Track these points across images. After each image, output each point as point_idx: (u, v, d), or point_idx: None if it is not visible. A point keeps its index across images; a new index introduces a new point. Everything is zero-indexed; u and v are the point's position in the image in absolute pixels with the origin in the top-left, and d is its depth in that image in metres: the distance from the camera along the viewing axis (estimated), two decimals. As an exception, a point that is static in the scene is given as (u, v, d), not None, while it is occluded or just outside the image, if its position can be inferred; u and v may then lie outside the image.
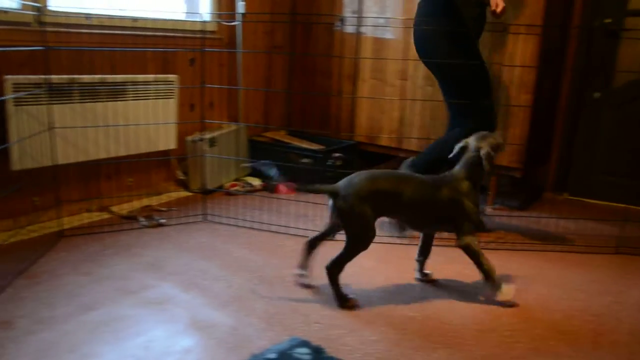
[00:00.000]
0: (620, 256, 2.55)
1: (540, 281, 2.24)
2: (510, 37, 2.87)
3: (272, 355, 1.61)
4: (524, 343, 1.77)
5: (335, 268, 1.92)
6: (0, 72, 2.36)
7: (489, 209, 3.12)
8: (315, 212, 2.89)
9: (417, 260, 2.19)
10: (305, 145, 3.48)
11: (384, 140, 3.48)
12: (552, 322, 1.91)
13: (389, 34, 3.36)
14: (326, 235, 2.03)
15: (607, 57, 3.20)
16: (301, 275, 2.08)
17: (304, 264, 2.07)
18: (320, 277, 1.99)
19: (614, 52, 3.18)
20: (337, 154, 3.32)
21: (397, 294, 2.07)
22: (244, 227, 2.70)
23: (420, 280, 2.18)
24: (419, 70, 3.26)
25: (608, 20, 3.12)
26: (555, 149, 3.47)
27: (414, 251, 2.18)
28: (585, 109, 3.33)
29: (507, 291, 2.00)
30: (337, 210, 1.90)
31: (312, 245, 2.05)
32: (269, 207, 2.99)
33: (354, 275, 2.18)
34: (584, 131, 3.36)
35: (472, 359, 1.66)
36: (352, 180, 1.90)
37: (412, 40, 2.63)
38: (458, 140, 2.10)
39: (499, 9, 2.37)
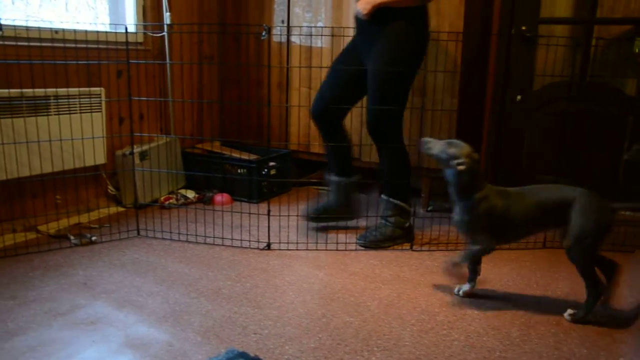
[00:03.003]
0: (547, 250, 2.67)
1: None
2: (433, 44, 2.97)
3: (210, 369, 1.59)
4: (460, 340, 1.82)
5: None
6: None
7: (423, 211, 3.20)
8: (251, 222, 2.88)
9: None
10: (240, 155, 3.46)
11: (317, 147, 3.50)
12: (485, 318, 1.97)
13: (319, 42, 3.40)
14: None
15: (526, 62, 3.36)
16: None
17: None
18: (243, 289, 1.97)
19: (532, 57, 3.34)
20: (271, 163, 3.32)
21: (333, 300, 2.08)
22: (179, 240, 2.65)
23: None
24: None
25: (524, 28, 3.27)
26: (483, 150, 3.60)
27: (349, 257, 2.21)
28: (509, 111, 3.47)
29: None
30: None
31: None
32: (204, 219, 2.95)
33: (293, 283, 2.18)
34: (509, 132, 3.50)
35: (408, 359, 1.70)
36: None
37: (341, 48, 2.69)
38: None
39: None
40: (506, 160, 3.55)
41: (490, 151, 3.59)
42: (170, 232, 2.72)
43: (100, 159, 2.94)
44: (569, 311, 1.99)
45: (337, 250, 2.58)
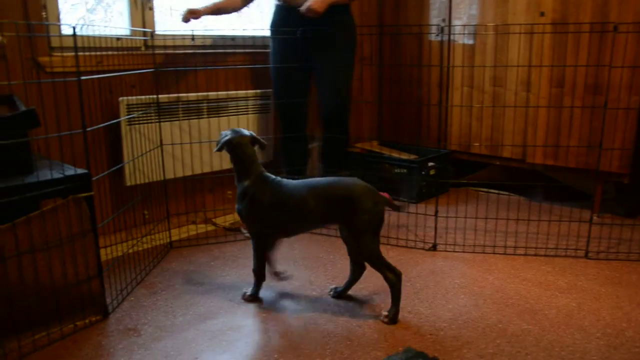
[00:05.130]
0: None
1: (662, 293, 2.11)
2: (617, 37, 2.74)
3: (389, 366, 1.61)
4: (654, 359, 1.67)
5: None
6: (115, 94, 2.52)
7: (595, 217, 2.98)
8: (417, 223, 2.86)
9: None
10: (399, 155, 3.47)
11: (477, 148, 3.41)
12: (681, 337, 1.79)
13: (474, 40, 3.30)
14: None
15: None
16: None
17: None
18: (414, 290, 1.96)
19: None
20: (431, 164, 3.29)
21: (508, 306, 2.01)
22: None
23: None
24: (513, 76, 3.18)
25: None
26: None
27: (518, 262, 2.10)
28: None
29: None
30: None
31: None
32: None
33: (464, 286, 2.15)
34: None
35: None
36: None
37: (506, 46, 2.58)
38: None
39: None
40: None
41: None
42: (336, 230, 2.80)
43: (268, 157, 3.11)
44: None
45: (505, 254, 2.49)
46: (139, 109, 2.53)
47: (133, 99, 2.52)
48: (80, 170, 1.84)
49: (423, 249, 2.56)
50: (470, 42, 3.35)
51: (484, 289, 2.14)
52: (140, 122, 2.55)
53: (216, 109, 2.83)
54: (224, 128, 2.84)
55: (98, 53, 2.43)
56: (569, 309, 1.98)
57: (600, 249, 2.54)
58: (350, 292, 2.10)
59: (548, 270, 2.31)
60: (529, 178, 3.33)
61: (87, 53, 2.37)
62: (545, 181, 3.26)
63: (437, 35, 2.46)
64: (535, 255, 2.49)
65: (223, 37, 2.95)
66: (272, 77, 2.96)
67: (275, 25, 2.88)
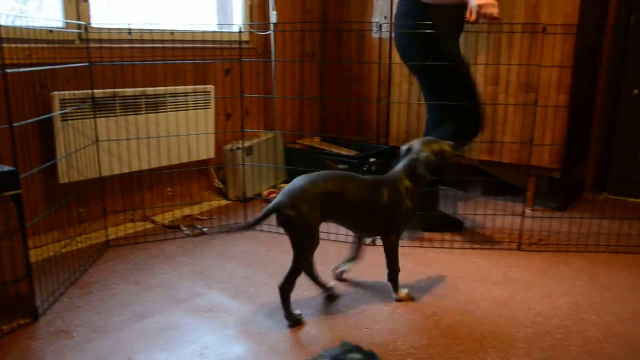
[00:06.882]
0: (668, 256, 2.51)
1: (589, 283, 2.21)
2: (545, 38, 2.85)
3: (326, 361, 1.63)
4: (578, 346, 1.75)
5: (288, 285, 1.82)
6: (48, 88, 2.43)
7: (528, 211, 3.09)
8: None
9: (345, 262, 2.18)
10: (340, 151, 3.50)
11: (419, 144, 3.47)
12: (604, 324, 1.88)
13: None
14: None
15: (645, 54, 3.16)
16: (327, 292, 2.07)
17: (321, 285, 2.06)
18: (354, 285, 1.99)
19: (652, 49, 3.14)
20: (372, 160, 3.33)
21: (443, 298, 2.06)
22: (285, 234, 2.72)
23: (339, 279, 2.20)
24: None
25: (645, 17, 3.08)
26: (594, 149, 3.43)
27: (455, 255, 2.17)
28: (624, 107, 3.29)
29: (403, 295, 2.04)
30: (283, 221, 1.81)
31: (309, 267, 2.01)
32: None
33: (402, 280, 2.19)
34: (624, 130, 3.31)
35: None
36: (294, 187, 1.82)
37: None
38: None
39: (473, 18, 2.39)
40: (619, 160, 3.37)
41: (600, 150, 3.41)
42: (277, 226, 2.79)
43: (209, 154, 3.08)
44: None
45: (442, 248, 2.56)
46: (74, 104, 2.45)
47: (67, 94, 2.44)
48: (7, 168, 1.77)
49: (371, 244, 2.58)
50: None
51: (421, 282, 2.19)
52: (75, 117, 2.47)
53: (155, 105, 2.77)
54: (163, 124, 2.79)
55: (27, 46, 2.33)
56: (502, 300, 2.05)
57: (532, 242, 2.64)
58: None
59: (483, 263, 2.39)
60: (468, 173, 3.42)
61: (15, 45, 2.28)
62: (483, 176, 3.36)
63: (376, 32, 2.49)
64: (472, 248, 2.56)
65: (162, 32, 2.89)
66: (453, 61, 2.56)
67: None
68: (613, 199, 3.39)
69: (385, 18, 3.47)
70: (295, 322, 1.85)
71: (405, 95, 3.46)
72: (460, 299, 2.06)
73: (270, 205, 1.82)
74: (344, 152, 3.48)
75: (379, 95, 3.59)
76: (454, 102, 2.50)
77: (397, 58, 3.45)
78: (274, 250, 2.52)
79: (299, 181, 1.85)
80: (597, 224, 2.90)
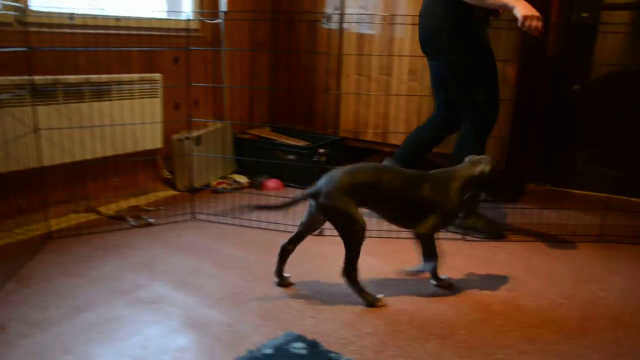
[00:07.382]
0: (603, 244, 2.61)
1: (527, 271, 2.29)
2: (492, 32, 2.91)
3: (268, 351, 1.63)
4: (516, 332, 1.81)
5: (349, 271, 1.91)
6: (-17, 74, 2.34)
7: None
8: (304, 208, 2.90)
9: None
10: (290, 141, 3.49)
11: (369, 135, 3.51)
12: (540, 310, 1.95)
13: (371, 30, 3.39)
14: (300, 237, 2.05)
15: (585, 50, 3.27)
16: (281, 282, 2.08)
17: (280, 271, 2.08)
18: (298, 274, 2.01)
19: (592, 46, 3.25)
20: (322, 150, 3.34)
21: (387, 287, 2.09)
22: (233, 224, 2.71)
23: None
24: (403, 66, 3.30)
25: (585, 15, 3.18)
26: (537, 141, 3.54)
27: (402, 244, 2.21)
28: (566, 101, 3.40)
29: (444, 281, 2.12)
30: (322, 210, 1.91)
31: (286, 251, 2.06)
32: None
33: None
34: (566, 123, 3.43)
35: (464, 348, 1.70)
36: (332, 177, 1.90)
37: (396, 36, 2.65)
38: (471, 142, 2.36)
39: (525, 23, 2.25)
40: (560, 154, 3.48)
41: (544, 142, 3.52)
42: (224, 216, 2.78)
43: (157, 144, 3.02)
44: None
45: (388, 238, 2.59)
46: (10, 90, 2.36)
47: (3, 79, 2.34)
48: None
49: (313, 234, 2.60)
50: (369, 31, 3.41)
51: (367, 272, 2.21)
52: (13, 104, 2.38)
53: (99, 92, 2.70)
54: (107, 113, 2.72)
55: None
56: (443, 289, 2.10)
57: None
58: (233, 279, 2.10)
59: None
60: (422, 165, 3.46)
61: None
62: (433, 167, 3.41)
63: (325, 22, 2.48)
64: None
65: (107, 17, 2.81)
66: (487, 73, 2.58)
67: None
68: (555, 190, 3.51)
69: (337, 9, 3.47)
70: (371, 301, 1.94)
71: (355, 87, 3.48)
72: (404, 288, 2.09)
73: (309, 190, 1.93)
74: (294, 142, 3.48)
75: (327, 86, 3.60)
76: (480, 95, 2.49)
77: (348, 49, 3.48)
78: (221, 241, 2.50)
79: (337, 171, 1.92)
80: (537, 214, 3.00)
